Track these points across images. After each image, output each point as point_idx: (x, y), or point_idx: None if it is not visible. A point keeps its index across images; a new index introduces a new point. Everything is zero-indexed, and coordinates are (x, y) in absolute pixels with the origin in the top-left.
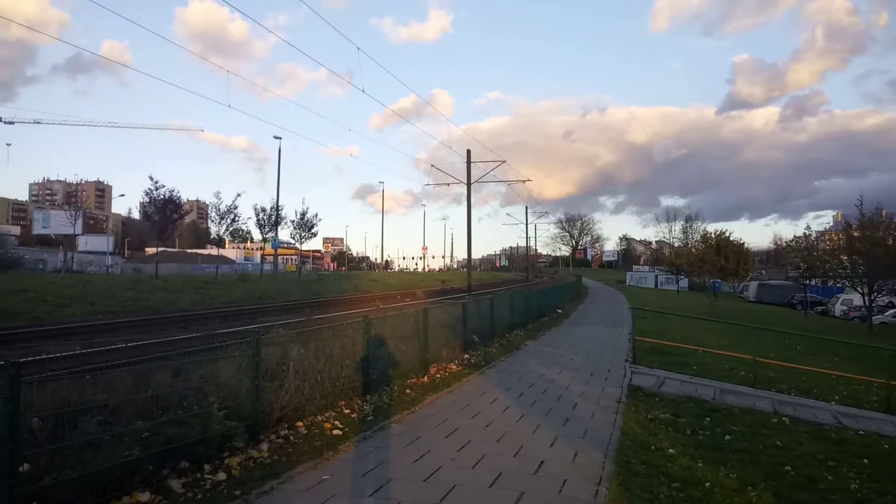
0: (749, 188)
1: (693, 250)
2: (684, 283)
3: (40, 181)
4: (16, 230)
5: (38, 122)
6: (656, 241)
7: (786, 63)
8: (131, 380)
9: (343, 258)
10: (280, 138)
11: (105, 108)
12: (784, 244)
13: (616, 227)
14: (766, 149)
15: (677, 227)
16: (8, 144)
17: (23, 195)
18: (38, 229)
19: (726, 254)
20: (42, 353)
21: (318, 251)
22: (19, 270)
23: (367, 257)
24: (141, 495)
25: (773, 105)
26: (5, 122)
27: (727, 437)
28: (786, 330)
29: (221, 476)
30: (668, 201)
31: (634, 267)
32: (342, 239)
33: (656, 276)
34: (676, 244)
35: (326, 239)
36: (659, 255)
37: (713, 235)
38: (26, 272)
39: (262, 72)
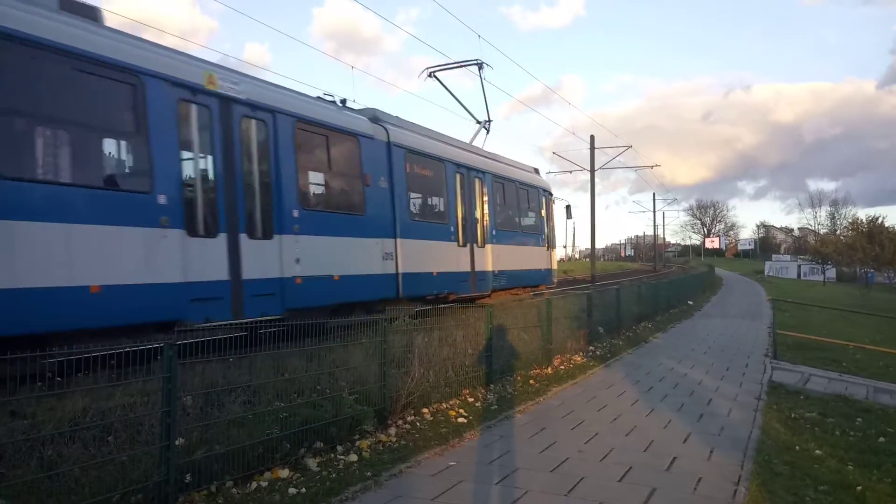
0: None
1: (842, 238)
2: (831, 273)
3: None
4: None
5: None
6: (799, 229)
7: None
8: (270, 363)
9: None
10: None
11: None
12: None
13: (754, 214)
14: None
15: (822, 212)
16: None
17: None
18: None
19: (881, 241)
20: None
21: None
22: None
23: None
24: (281, 471)
25: None
26: None
27: (881, 440)
28: None
29: (353, 457)
30: (816, 185)
31: (774, 256)
32: None
33: (799, 266)
34: (823, 231)
35: None
36: (802, 244)
37: (864, 221)
38: None
39: (392, 66)
